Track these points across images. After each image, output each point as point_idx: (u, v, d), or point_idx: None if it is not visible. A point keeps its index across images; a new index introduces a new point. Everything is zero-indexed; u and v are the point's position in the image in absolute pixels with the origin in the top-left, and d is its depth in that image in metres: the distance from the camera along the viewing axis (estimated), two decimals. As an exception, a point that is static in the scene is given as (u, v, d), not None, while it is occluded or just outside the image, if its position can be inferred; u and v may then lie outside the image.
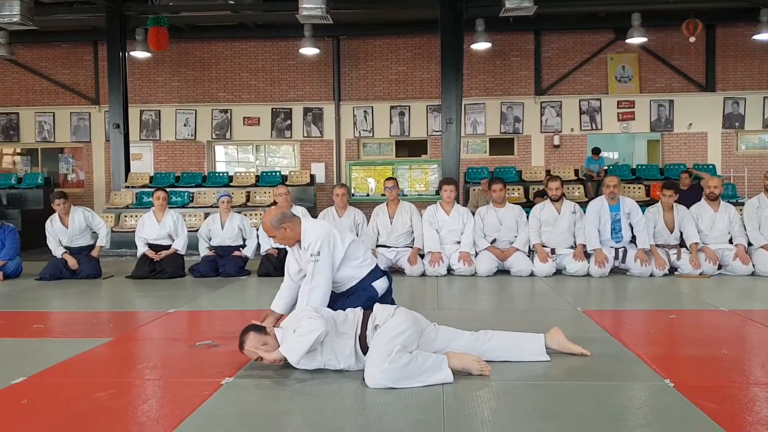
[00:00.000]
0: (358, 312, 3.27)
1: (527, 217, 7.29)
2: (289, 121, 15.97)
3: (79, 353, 3.70)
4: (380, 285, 3.88)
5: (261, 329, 3.18)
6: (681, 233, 7.04)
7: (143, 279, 7.13)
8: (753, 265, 6.77)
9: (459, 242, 7.19)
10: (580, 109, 15.52)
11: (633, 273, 6.80)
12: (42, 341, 4.18)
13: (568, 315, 4.82)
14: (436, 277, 6.97)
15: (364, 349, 3.10)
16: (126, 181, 12.87)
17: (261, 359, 3.10)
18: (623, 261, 6.90)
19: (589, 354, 3.42)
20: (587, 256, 6.92)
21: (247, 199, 12.44)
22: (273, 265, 7.18)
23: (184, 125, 16.13)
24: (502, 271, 7.14)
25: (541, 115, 15.58)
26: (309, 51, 14.34)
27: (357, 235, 7.05)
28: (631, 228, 6.95)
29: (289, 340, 2.98)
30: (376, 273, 3.88)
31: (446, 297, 5.93)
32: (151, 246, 7.46)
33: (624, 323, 4.61)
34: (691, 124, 15.30)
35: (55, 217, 7.44)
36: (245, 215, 8.19)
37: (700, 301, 5.48)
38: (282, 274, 6.75)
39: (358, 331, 3.15)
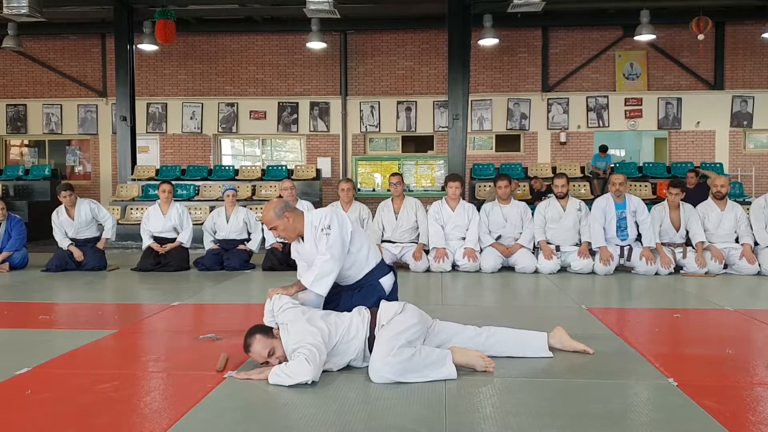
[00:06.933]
0: (365, 314, 3.22)
1: (532, 214, 7.28)
2: (295, 115, 15.98)
3: (83, 345, 3.72)
4: (387, 282, 3.83)
5: (267, 331, 3.13)
6: (687, 232, 7.01)
7: (148, 271, 7.17)
8: (759, 265, 6.74)
9: (464, 238, 7.19)
10: (587, 106, 15.47)
11: (638, 271, 6.78)
12: (47, 332, 4.19)
13: (572, 312, 4.81)
14: (441, 272, 6.97)
15: (372, 350, 3.06)
16: (132, 174, 12.91)
17: (267, 362, 3.06)
18: (628, 259, 6.89)
19: (593, 351, 3.41)
20: (592, 253, 6.90)
21: (253, 193, 12.46)
22: (278, 259, 7.20)
23: (191, 118, 16.17)
24: (507, 268, 7.14)
25: (548, 111, 15.54)
26: (316, 45, 14.35)
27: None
28: (637, 226, 6.92)
29: (280, 371, 2.91)
30: (382, 268, 3.83)
31: (451, 293, 5.92)
32: (157, 239, 7.50)
33: (628, 321, 4.59)
34: (698, 123, 15.23)
35: (61, 209, 7.47)
36: (250, 209, 8.20)
37: (705, 300, 5.46)
38: (287, 268, 6.88)
39: (367, 334, 3.13)
